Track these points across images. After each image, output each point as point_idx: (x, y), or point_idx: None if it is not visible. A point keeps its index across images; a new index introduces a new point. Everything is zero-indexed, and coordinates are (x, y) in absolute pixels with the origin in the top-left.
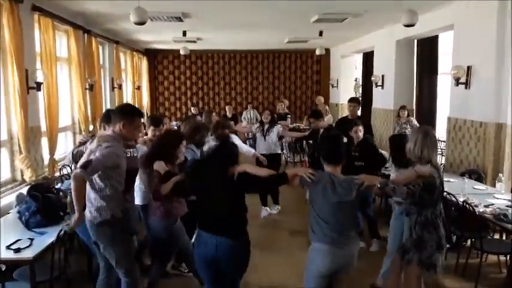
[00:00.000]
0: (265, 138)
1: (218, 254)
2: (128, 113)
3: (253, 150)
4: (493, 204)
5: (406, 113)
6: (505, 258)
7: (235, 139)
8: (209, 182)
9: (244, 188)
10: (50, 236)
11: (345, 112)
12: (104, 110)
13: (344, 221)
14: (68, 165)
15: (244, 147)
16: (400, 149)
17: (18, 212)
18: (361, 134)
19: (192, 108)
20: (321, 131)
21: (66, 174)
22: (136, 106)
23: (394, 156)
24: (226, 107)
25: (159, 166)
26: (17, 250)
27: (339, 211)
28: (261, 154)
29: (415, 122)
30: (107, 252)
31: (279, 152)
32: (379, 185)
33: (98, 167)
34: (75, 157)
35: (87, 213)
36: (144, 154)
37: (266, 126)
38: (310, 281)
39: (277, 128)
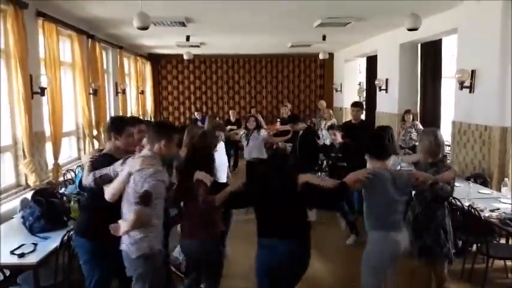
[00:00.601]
0: (248, 143)
1: (285, 258)
2: (167, 130)
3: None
4: (498, 209)
5: (411, 117)
6: (511, 263)
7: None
8: (275, 190)
9: (308, 199)
10: (53, 241)
11: (349, 116)
12: (108, 115)
13: (399, 210)
14: (84, 187)
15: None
16: (377, 140)
17: (22, 216)
18: (338, 137)
19: (196, 113)
20: (300, 132)
21: (69, 179)
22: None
23: (370, 147)
24: (230, 112)
25: (203, 176)
26: (21, 255)
27: (397, 203)
28: (246, 160)
29: (420, 126)
30: (137, 286)
31: (263, 157)
32: (430, 182)
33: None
34: (101, 182)
35: (123, 245)
36: (179, 166)
37: (251, 132)
38: (369, 271)
39: (262, 135)
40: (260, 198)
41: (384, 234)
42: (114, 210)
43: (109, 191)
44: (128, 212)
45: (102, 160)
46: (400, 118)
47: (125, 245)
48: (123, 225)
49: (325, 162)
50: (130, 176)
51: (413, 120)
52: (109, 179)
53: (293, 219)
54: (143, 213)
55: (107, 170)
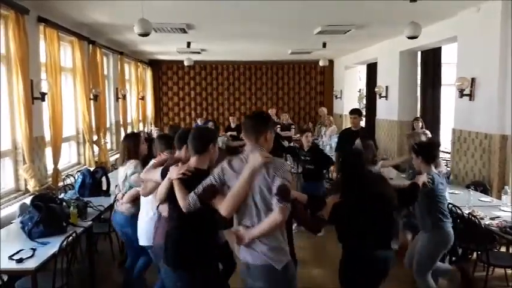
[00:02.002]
0: None
1: (387, 266)
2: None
3: None
4: (499, 217)
5: (420, 124)
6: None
7: None
8: (376, 197)
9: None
10: (52, 246)
11: (349, 123)
12: (108, 121)
13: None
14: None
15: None
16: (433, 146)
17: (21, 222)
18: (310, 139)
19: (198, 120)
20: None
21: (69, 185)
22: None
23: (427, 153)
24: (230, 118)
25: (299, 195)
26: (20, 260)
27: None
28: None
29: (430, 135)
30: None
31: None
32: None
33: None
34: (208, 196)
35: (255, 257)
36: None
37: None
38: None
39: None
40: (362, 207)
41: (449, 223)
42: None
43: (228, 203)
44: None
45: (195, 175)
46: (399, 125)
47: (261, 255)
48: (252, 230)
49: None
50: (255, 174)
51: (422, 128)
52: (214, 191)
53: (390, 225)
54: (287, 210)
55: (209, 181)
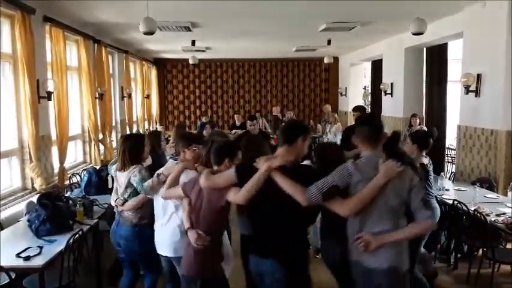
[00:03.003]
0: None
1: None
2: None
3: None
4: (505, 213)
5: (418, 121)
6: None
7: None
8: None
9: None
10: (59, 244)
11: (353, 120)
12: (113, 119)
13: None
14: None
15: None
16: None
17: (28, 220)
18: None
19: (203, 118)
20: None
21: (75, 183)
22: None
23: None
24: (235, 116)
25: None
26: (27, 258)
27: None
28: None
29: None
30: None
31: None
32: None
33: None
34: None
35: (381, 261)
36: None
37: None
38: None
39: None
40: None
41: (434, 200)
42: None
43: (355, 205)
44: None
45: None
46: (405, 122)
47: (388, 259)
48: (388, 236)
49: None
50: (388, 182)
51: (419, 124)
52: (335, 192)
53: None
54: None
55: (330, 181)
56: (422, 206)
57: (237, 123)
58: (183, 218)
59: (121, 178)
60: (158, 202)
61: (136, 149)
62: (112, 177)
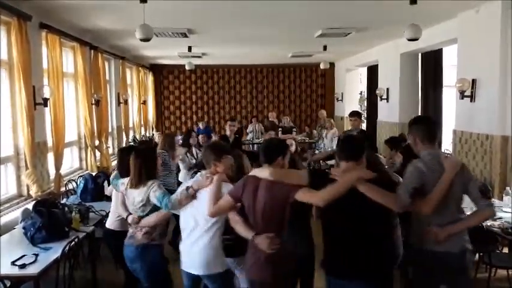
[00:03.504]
0: None
1: None
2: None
3: None
4: (501, 218)
5: None
6: None
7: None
8: None
9: None
10: (55, 251)
11: (350, 126)
12: (110, 125)
13: None
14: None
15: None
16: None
17: (24, 227)
18: (292, 147)
19: (200, 124)
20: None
21: (71, 190)
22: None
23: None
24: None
25: None
26: (22, 266)
27: None
28: None
29: None
30: None
31: None
32: None
33: None
34: None
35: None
36: None
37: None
38: None
39: None
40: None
41: None
42: None
43: (434, 202)
44: None
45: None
46: (400, 127)
47: (460, 243)
48: (455, 226)
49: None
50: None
51: None
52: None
53: None
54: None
55: (413, 183)
56: (481, 195)
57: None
58: (238, 230)
59: (134, 195)
60: (187, 218)
61: (151, 163)
62: (114, 186)
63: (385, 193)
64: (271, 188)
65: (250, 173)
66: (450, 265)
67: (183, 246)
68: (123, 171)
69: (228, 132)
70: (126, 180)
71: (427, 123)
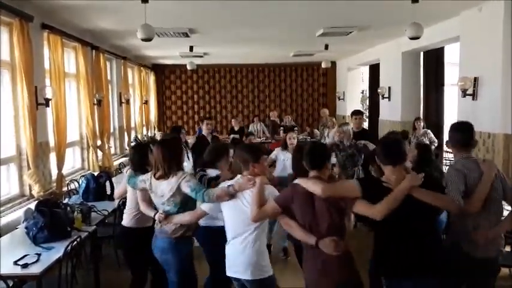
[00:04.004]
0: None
1: None
2: None
3: None
4: (503, 216)
5: (422, 124)
6: None
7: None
8: None
9: None
10: (57, 251)
11: (351, 125)
12: (112, 125)
13: None
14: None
15: None
16: None
17: (26, 227)
18: (294, 140)
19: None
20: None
21: (73, 189)
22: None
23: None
24: (233, 120)
25: None
26: (25, 265)
27: None
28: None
29: (432, 135)
30: None
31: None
32: None
33: None
34: None
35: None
36: None
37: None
38: None
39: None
40: None
41: None
42: None
43: (481, 202)
44: None
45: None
46: (403, 126)
47: (497, 247)
48: (499, 228)
49: None
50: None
51: (423, 127)
52: None
53: None
54: None
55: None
56: None
57: (236, 128)
58: (295, 234)
59: (162, 187)
60: (231, 220)
61: (179, 152)
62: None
63: (441, 196)
64: (328, 200)
65: (297, 182)
66: (489, 269)
67: (229, 250)
68: (138, 168)
69: (205, 132)
70: (145, 176)
71: (464, 129)
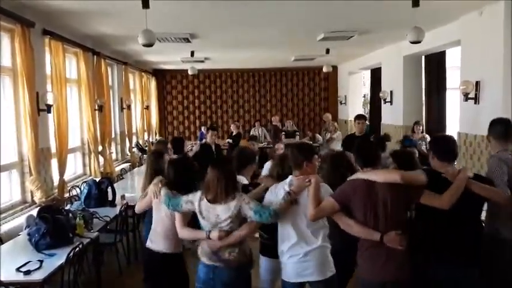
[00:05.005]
0: None
1: None
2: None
3: None
4: None
5: (421, 128)
6: None
7: None
8: None
9: None
10: (59, 257)
11: (354, 129)
12: (113, 131)
13: None
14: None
15: None
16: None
17: (28, 234)
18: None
19: (202, 128)
20: None
21: (75, 195)
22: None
23: None
24: (232, 125)
25: None
26: (27, 272)
27: None
28: None
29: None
30: None
31: None
32: None
33: None
34: None
35: None
36: None
37: None
38: None
39: None
40: None
41: None
42: None
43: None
44: None
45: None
46: (405, 130)
47: None
48: None
49: None
50: None
51: (422, 132)
52: None
53: None
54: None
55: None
56: None
57: (234, 133)
58: (357, 232)
59: (217, 211)
60: (289, 226)
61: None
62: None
63: (493, 189)
64: (393, 191)
65: (358, 177)
66: None
67: (287, 257)
68: (174, 185)
69: (209, 141)
70: (193, 197)
71: (502, 124)
